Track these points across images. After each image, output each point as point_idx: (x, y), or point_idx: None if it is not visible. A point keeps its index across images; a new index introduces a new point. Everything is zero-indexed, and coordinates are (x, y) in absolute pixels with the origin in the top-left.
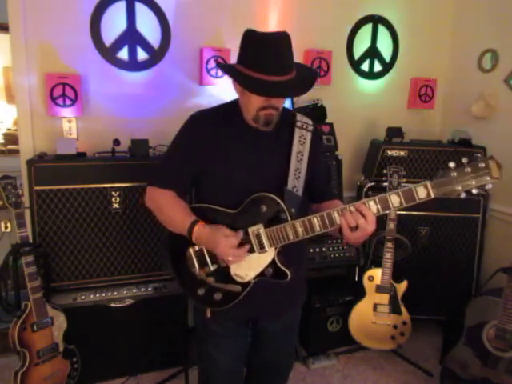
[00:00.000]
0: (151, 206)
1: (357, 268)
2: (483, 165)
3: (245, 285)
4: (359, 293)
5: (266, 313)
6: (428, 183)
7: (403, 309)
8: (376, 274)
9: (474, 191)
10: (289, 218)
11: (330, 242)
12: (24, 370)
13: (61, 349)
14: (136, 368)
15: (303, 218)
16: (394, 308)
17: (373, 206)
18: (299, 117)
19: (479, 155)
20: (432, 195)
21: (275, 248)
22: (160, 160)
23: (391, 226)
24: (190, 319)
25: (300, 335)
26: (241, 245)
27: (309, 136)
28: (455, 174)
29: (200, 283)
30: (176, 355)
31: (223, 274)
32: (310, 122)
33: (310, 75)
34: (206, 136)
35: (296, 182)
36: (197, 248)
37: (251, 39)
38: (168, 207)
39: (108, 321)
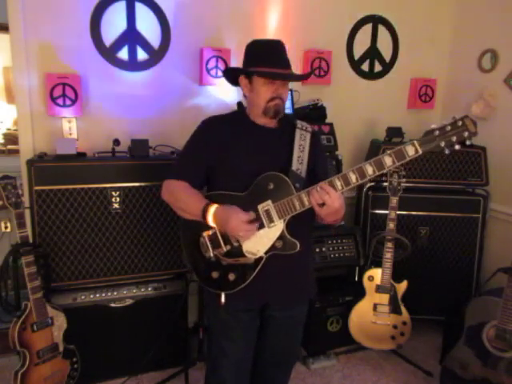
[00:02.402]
0: (167, 198)
1: (357, 268)
2: (460, 123)
3: (257, 260)
4: (359, 293)
5: (275, 300)
6: (415, 141)
7: (403, 309)
8: (376, 274)
9: (457, 147)
10: (294, 191)
11: (329, 241)
12: (24, 369)
13: (61, 349)
14: (136, 368)
15: (306, 189)
16: (394, 308)
17: (369, 168)
18: (299, 121)
19: (456, 116)
20: (420, 151)
21: (284, 221)
22: (175, 160)
23: (391, 225)
24: (190, 319)
25: None
26: (251, 222)
27: (308, 135)
28: (437, 132)
29: (214, 267)
30: (176, 355)
31: (236, 253)
32: (308, 125)
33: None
34: (216, 135)
35: (300, 165)
36: (210, 232)
37: (256, 44)
38: (183, 194)
39: (108, 321)
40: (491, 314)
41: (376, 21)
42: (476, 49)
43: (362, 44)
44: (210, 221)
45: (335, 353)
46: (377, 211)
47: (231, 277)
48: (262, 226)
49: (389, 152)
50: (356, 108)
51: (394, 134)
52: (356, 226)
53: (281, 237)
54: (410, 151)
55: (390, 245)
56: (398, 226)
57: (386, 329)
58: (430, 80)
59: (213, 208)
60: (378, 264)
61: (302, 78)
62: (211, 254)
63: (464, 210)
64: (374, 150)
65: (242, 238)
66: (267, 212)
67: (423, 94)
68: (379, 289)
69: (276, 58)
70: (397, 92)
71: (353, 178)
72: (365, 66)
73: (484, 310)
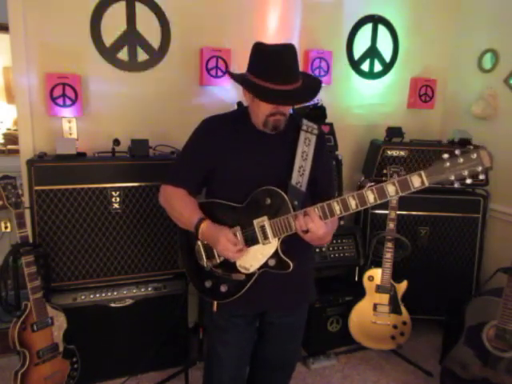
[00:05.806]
0: (164, 204)
1: (357, 268)
2: (475, 155)
3: (249, 276)
4: (359, 293)
5: (273, 308)
6: (422, 172)
7: (403, 309)
8: (376, 274)
9: (469, 181)
10: (291, 210)
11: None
12: (24, 369)
13: (61, 349)
14: (136, 368)
15: (303, 210)
16: (394, 308)
17: (370, 196)
18: (305, 121)
19: (471, 147)
20: (426, 183)
21: (279, 239)
22: (174, 161)
23: (391, 225)
24: (190, 319)
25: None
26: (239, 246)
27: (314, 138)
28: (448, 164)
29: (207, 276)
30: (176, 355)
31: (229, 265)
32: (315, 126)
33: (314, 84)
34: (217, 137)
35: (300, 178)
36: (205, 241)
37: (261, 51)
38: (178, 204)
39: (108, 321)
40: (491, 314)
41: (376, 21)
42: (476, 49)
43: (362, 44)
44: (201, 238)
45: (335, 353)
46: (377, 211)
47: (223, 288)
48: (256, 242)
49: (393, 180)
50: (356, 108)
51: (394, 134)
52: (356, 226)
53: (274, 255)
54: (416, 182)
55: (390, 245)
56: (398, 226)
57: (385, 329)
58: (430, 80)
59: (204, 226)
60: (378, 264)
61: (303, 100)
62: (205, 264)
63: (464, 209)
64: (374, 149)
65: (232, 258)
66: (262, 228)
67: (423, 93)
68: (379, 289)
69: (278, 72)
70: (397, 92)
71: (352, 203)
72: (365, 66)
73: (484, 310)
